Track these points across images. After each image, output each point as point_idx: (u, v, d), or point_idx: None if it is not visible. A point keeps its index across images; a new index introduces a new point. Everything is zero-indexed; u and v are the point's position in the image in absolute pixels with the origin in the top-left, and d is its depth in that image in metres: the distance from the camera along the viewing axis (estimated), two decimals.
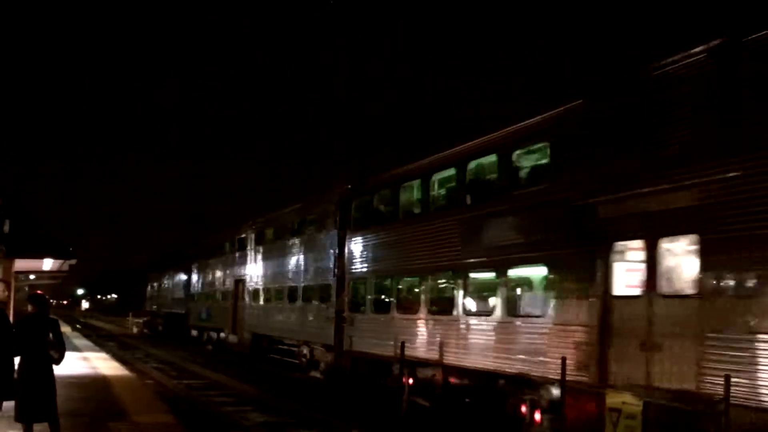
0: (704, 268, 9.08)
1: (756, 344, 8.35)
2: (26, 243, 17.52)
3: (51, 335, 8.89)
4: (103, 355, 26.72)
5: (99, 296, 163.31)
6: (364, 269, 18.34)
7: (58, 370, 9.16)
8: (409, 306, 16.19)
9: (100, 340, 39.19)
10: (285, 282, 23.95)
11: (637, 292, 10.17)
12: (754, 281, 8.43)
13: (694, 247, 9.30)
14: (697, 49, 9.62)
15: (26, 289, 27.81)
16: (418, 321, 15.58)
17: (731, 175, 8.86)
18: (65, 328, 40.53)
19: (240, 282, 28.57)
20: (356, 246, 18.89)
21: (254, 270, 27.31)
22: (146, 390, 17.23)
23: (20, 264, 18.94)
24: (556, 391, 11.19)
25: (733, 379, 8.37)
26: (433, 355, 14.74)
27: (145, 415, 12.82)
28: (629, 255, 10.49)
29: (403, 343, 15.29)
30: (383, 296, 17.47)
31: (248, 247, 28.27)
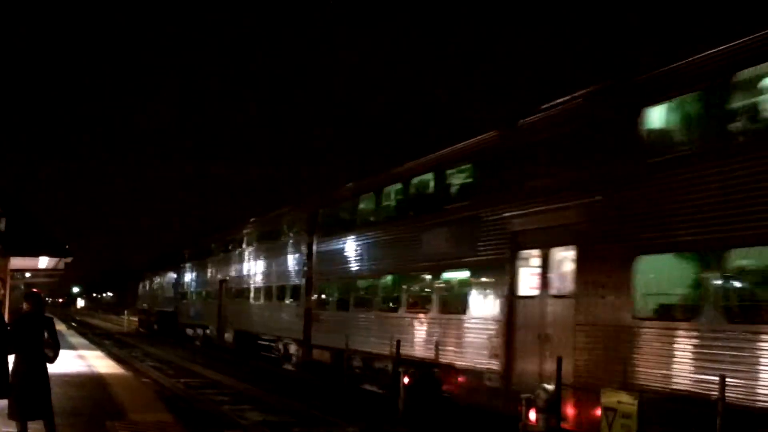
0: (578, 273, 11.22)
1: (608, 333, 10.48)
2: (22, 241, 17.27)
3: (46, 334, 8.90)
4: (99, 353, 27.04)
5: (95, 294, 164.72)
6: (329, 271, 20.47)
7: (54, 368, 9.22)
8: (364, 304, 18.32)
9: (96, 338, 40.01)
10: (263, 282, 26.10)
11: (535, 292, 12.30)
12: (606, 285, 10.56)
13: (573, 257, 11.43)
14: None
15: (22, 287, 27.00)
16: (372, 317, 17.72)
17: (594, 200, 10.99)
18: (61, 326, 41.74)
19: (224, 282, 30.70)
20: (322, 251, 21.02)
21: (237, 271, 29.45)
22: (144, 388, 17.40)
23: (16, 262, 19.03)
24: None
25: (580, 363, 10.57)
26: (384, 349, 16.87)
27: (143, 413, 12.82)
28: (531, 262, 12.60)
29: (348, 337, 17.58)
30: (344, 296, 19.57)
31: (231, 250, 30.37)
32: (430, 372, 14.93)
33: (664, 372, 9.52)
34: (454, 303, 14.68)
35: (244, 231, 29.30)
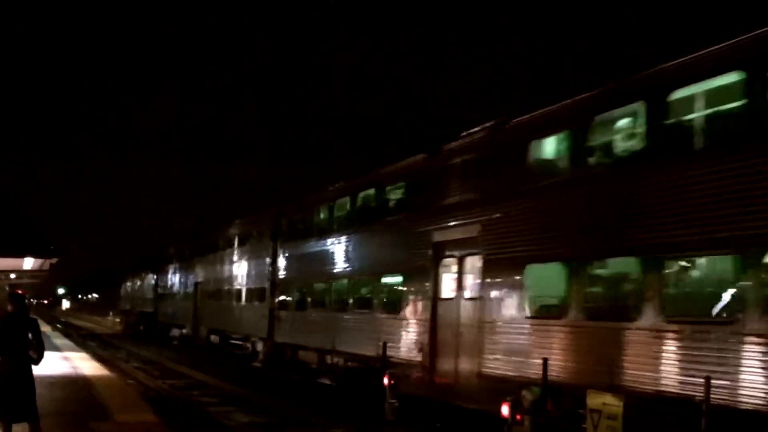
0: (483, 279, 13.27)
1: (507, 329, 12.53)
2: (7, 241, 17.34)
3: (30, 335, 8.94)
4: (84, 354, 27.25)
5: (80, 296, 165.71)
6: (290, 275, 22.47)
7: (39, 370, 9.25)
8: (320, 305, 20.34)
9: (81, 340, 40.40)
10: (233, 285, 28.10)
11: (453, 295, 14.35)
12: (502, 288, 12.64)
13: (480, 265, 13.47)
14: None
15: (6, 288, 27.51)
16: (326, 318, 19.74)
17: (494, 216, 13.04)
18: (46, 328, 40.79)
19: (199, 284, 32.64)
20: (284, 256, 23.01)
21: (209, 274, 31.43)
22: (128, 390, 17.59)
23: (0, 263, 19.41)
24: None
25: (490, 355, 12.62)
26: (337, 346, 18.89)
27: (128, 414, 12.95)
28: (450, 269, 14.63)
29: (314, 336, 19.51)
30: (302, 297, 21.58)
31: (205, 254, 32.31)
32: (373, 365, 16.98)
33: (553, 361, 11.55)
34: (391, 305, 16.71)
35: (216, 236, 31.22)
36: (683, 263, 9.73)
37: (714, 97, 9.30)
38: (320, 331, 19.77)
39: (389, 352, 16.18)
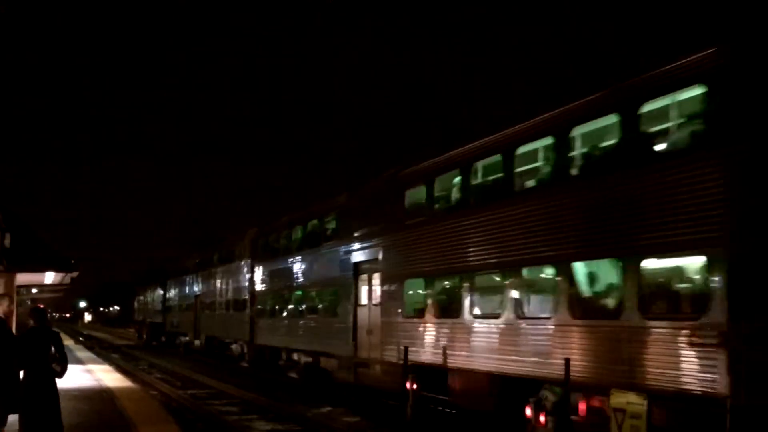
0: (382, 290, 18.31)
1: (394, 327, 17.54)
2: (27, 257, 17.66)
3: (53, 348, 9.06)
4: (106, 367, 28.36)
5: (102, 308, 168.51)
6: (264, 288, 27.65)
7: (62, 383, 9.34)
8: (284, 312, 25.49)
9: (104, 352, 42.14)
10: (223, 297, 33.40)
11: (366, 302, 19.39)
12: (393, 297, 17.67)
13: (380, 279, 18.49)
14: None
15: (28, 302, 28.28)
16: (288, 321, 24.90)
17: (387, 244, 18.07)
18: (68, 341, 44.41)
19: (197, 297, 37.96)
20: (260, 272, 28.19)
21: (205, 287, 36.75)
22: (151, 401, 17.98)
23: (22, 278, 19.40)
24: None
25: (387, 346, 17.66)
26: (298, 345, 23.99)
27: (151, 426, 13.16)
28: (365, 282, 19.65)
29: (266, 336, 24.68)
30: (272, 306, 26.73)
31: (202, 269, 37.62)
32: (318, 359, 22.13)
33: (418, 348, 16.50)
34: (329, 310, 21.79)
35: (210, 253, 36.48)
36: (480, 278, 14.64)
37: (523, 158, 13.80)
38: (285, 334, 24.97)
39: (327, 347, 21.29)
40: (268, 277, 27.20)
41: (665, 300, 10.39)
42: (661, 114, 10.70)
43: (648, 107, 10.73)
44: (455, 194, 15.69)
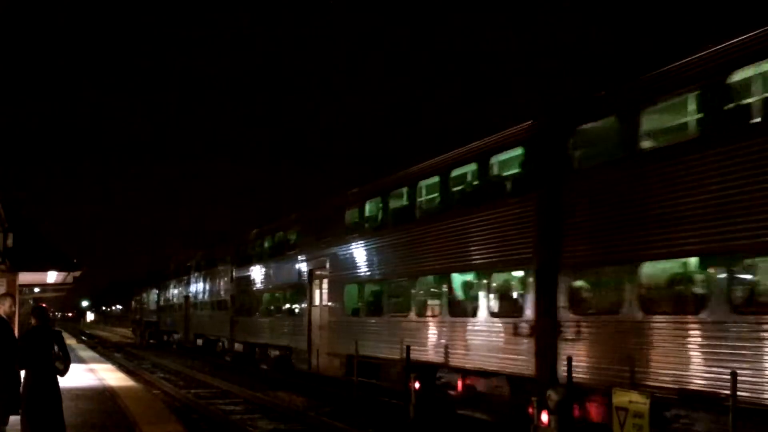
0: (329, 293, 22.18)
1: (338, 325, 21.39)
2: (30, 256, 17.71)
3: (56, 347, 9.08)
4: (109, 366, 28.68)
5: (104, 308, 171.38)
6: (240, 289, 31.56)
7: (65, 382, 9.34)
8: (256, 311, 29.42)
9: (106, 351, 43.38)
10: (208, 297, 37.34)
11: (318, 303, 23.27)
12: (337, 299, 21.55)
13: (328, 284, 22.35)
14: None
15: (31, 302, 28.54)
16: (260, 320, 28.83)
17: (332, 254, 21.92)
18: (71, 340, 45.67)
19: (187, 297, 41.95)
20: (239, 275, 32.08)
21: (194, 289, 40.76)
22: (154, 400, 18.02)
23: (24, 277, 19.45)
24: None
25: (333, 340, 21.56)
26: (270, 340, 27.89)
27: (154, 425, 13.12)
28: (318, 286, 23.49)
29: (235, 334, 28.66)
30: (247, 306, 30.63)
31: (191, 273, 41.56)
32: (285, 352, 26.09)
33: (357, 342, 20.27)
34: (290, 310, 25.66)
35: (198, 258, 40.42)
36: (394, 284, 18.44)
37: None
38: (258, 330, 28.88)
39: (288, 342, 25.21)
40: (245, 281, 31.08)
41: (503, 303, 14.22)
42: (502, 165, 14.56)
43: (493, 160, 14.59)
44: (379, 216, 19.56)
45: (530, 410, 11.51)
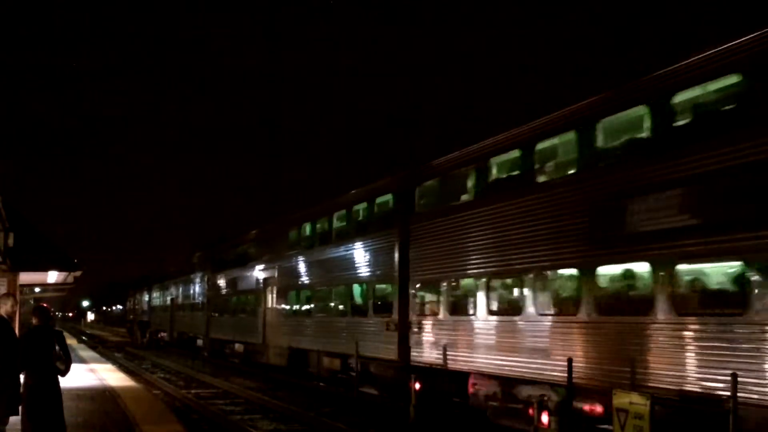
0: (277, 297, 27.59)
1: (285, 322, 26.84)
2: (30, 256, 17.75)
3: (57, 347, 9.15)
4: (109, 366, 29.11)
5: (105, 308, 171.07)
6: (215, 293, 37.02)
7: (66, 382, 9.49)
8: (226, 311, 34.84)
9: (107, 351, 44.77)
10: (188, 300, 42.88)
11: (270, 306, 28.65)
12: (285, 302, 26.99)
13: (277, 290, 27.76)
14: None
15: (32, 302, 29.05)
16: (229, 319, 34.27)
17: (279, 266, 27.33)
18: (71, 340, 47.26)
19: (173, 299, 47.48)
20: (213, 281, 37.53)
21: (176, 292, 46.32)
22: (155, 401, 18.12)
23: (25, 277, 19.51)
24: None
25: (278, 336, 27.01)
26: (239, 338, 33.30)
27: (155, 425, 13.21)
28: (270, 292, 28.85)
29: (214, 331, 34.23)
30: (221, 307, 36.07)
31: (174, 277, 47.09)
32: (248, 347, 31.53)
33: (295, 337, 25.57)
34: (250, 311, 31.01)
35: (180, 263, 46.11)
36: (319, 291, 23.82)
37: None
38: (228, 329, 34.37)
39: (248, 338, 30.66)
40: (217, 286, 36.55)
41: (381, 307, 19.51)
42: (381, 205, 19.96)
43: (377, 201, 19.98)
44: (310, 237, 24.96)
45: (530, 411, 11.53)
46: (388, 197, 19.49)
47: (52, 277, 20.93)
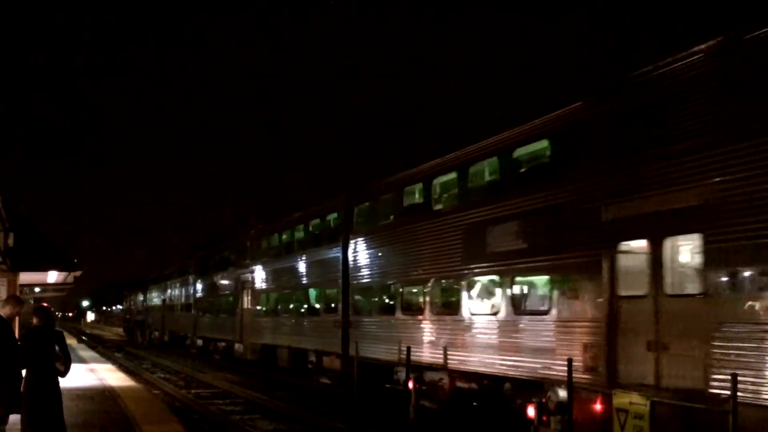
0: (251, 298, 31.34)
1: (258, 322, 30.59)
2: (30, 256, 17.77)
3: (57, 348, 9.17)
4: (109, 366, 29.36)
5: (105, 308, 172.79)
6: (201, 295, 40.74)
7: (65, 382, 9.50)
8: (210, 312, 38.52)
9: (107, 351, 45.14)
10: (178, 301, 46.66)
11: (248, 307, 32.33)
12: (256, 304, 30.76)
13: (252, 293, 31.46)
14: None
15: (32, 302, 29.06)
16: (212, 319, 37.93)
17: (253, 270, 31.09)
18: (71, 340, 46.36)
19: (164, 300, 51.29)
20: (198, 284, 41.25)
21: (168, 294, 50.09)
22: (155, 400, 18.20)
23: (25, 277, 19.49)
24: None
25: (252, 333, 30.77)
26: (221, 335, 36.95)
27: (155, 425, 13.27)
28: (247, 294, 32.47)
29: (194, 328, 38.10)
30: (205, 308, 39.75)
31: (165, 280, 50.87)
32: (229, 344, 35.24)
33: (266, 335, 29.21)
34: (229, 311, 34.59)
35: (171, 268, 49.67)
36: (284, 294, 27.51)
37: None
38: (211, 328, 38.11)
39: (229, 337, 34.40)
40: (203, 288, 40.29)
41: (329, 307, 23.13)
42: (331, 221, 23.66)
43: (328, 217, 23.70)
44: (276, 246, 28.67)
45: (531, 411, 11.62)
46: (335, 215, 23.18)
47: (52, 277, 20.98)
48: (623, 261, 11.26)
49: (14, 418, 9.24)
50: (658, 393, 10.15)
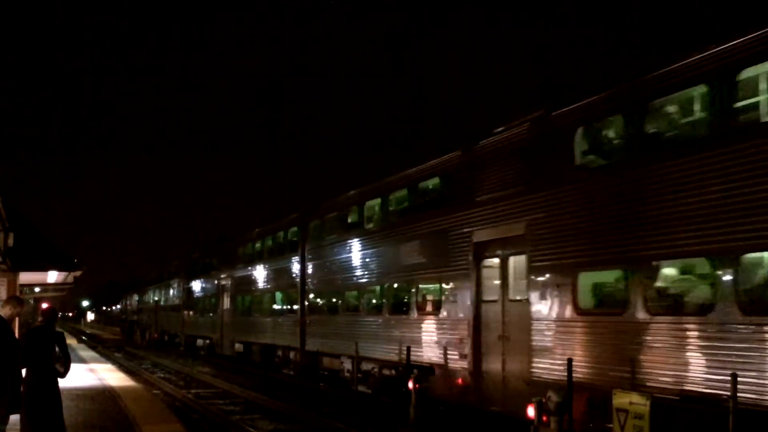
0: (231, 299, 34.97)
1: (237, 320, 34.29)
2: (30, 256, 17.84)
3: (57, 348, 9.27)
4: (109, 366, 29.63)
5: (105, 308, 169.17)
6: (189, 297, 44.37)
7: (65, 382, 9.59)
8: (196, 312, 42.14)
9: (107, 351, 46.07)
10: (169, 302, 50.31)
11: (227, 308, 35.95)
12: (234, 305, 34.40)
13: (230, 294, 35.12)
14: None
15: (31, 302, 29.46)
16: (198, 319, 41.57)
17: (233, 275, 34.76)
18: (71, 340, 48.79)
19: (157, 301, 54.98)
20: (186, 286, 44.87)
21: (160, 296, 53.73)
22: (155, 400, 18.22)
23: (25, 277, 19.53)
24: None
25: (230, 331, 34.45)
26: (202, 332, 40.51)
27: (155, 425, 13.43)
28: (227, 296, 36.12)
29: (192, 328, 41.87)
30: (193, 308, 43.37)
31: (158, 282, 54.55)
32: (212, 341, 38.95)
33: (243, 332, 32.77)
34: (212, 311, 38.19)
35: (163, 270, 53.37)
36: (261, 295, 31.17)
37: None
38: (196, 327, 41.76)
39: (212, 335, 38.09)
40: (189, 290, 43.93)
41: (290, 308, 26.82)
42: (291, 234, 27.29)
43: (289, 230, 27.35)
44: (251, 254, 32.31)
45: (531, 411, 11.63)
46: (295, 228, 26.83)
47: (52, 277, 21.00)
48: (485, 274, 14.95)
49: (14, 418, 9.28)
50: (504, 372, 13.89)
